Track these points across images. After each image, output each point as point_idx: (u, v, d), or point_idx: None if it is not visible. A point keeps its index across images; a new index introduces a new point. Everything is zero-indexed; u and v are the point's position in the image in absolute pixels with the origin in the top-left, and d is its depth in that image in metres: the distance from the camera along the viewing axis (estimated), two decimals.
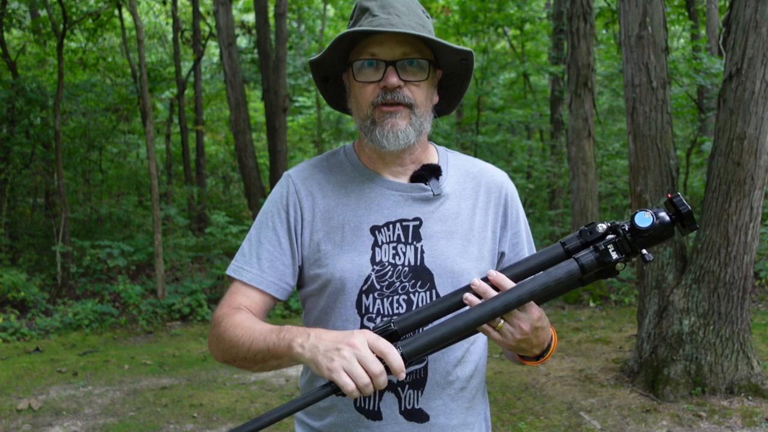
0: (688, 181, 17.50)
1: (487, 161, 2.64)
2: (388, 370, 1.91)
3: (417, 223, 2.39)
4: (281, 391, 8.61)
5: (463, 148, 21.44)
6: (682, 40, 26.26)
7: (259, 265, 2.41)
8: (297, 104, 25.57)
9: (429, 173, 2.45)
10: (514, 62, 24.29)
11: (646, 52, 8.04)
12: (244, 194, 19.88)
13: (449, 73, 2.48)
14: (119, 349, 11.06)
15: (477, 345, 2.49)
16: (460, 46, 2.35)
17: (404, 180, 2.45)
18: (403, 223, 2.38)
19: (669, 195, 2.00)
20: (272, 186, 19.15)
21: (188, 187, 21.61)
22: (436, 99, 2.46)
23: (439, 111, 2.56)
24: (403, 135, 2.31)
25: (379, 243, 2.36)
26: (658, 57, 8.03)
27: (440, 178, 2.46)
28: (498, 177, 2.56)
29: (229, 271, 2.45)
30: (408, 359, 1.95)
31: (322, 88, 2.54)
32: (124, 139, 24.11)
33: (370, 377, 1.89)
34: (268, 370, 2.25)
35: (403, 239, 2.37)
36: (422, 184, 2.42)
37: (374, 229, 2.38)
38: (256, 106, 28.73)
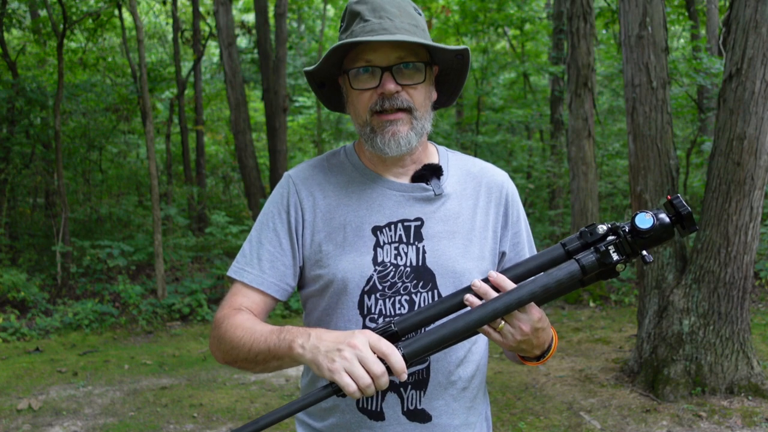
0: (688, 181, 17.50)
1: (487, 161, 2.63)
2: (389, 370, 1.91)
3: (419, 223, 2.38)
4: (281, 391, 8.61)
5: (463, 148, 21.43)
6: (682, 40, 26.26)
7: (259, 266, 2.40)
8: (297, 104, 25.59)
9: (430, 173, 2.44)
10: (514, 62, 24.30)
11: (646, 52, 8.03)
12: (244, 194, 19.89)
13: (446, 68, 2.46)
14: (119, 349, 11.06)
15: (478, 345, 2.49)
16: (454, 47, 2.34)
17: (405, 180, 2.44)
18: (405, 224, 2.38)
19: (669, 197, 2.01)
20: (272, 186, 19.24)
21: (188, 187, 21.61)
22: (434, 96, 2.45)
23: (439, 104, 2.54)
24: (405, 141, 2.30)
25: (381, 243, 2.36)
26: (658, 57, 8.03)
27: (441, 177, 2.46)
28: (499, 176, 2.55)
29: (230, 273, 2.45)
30: (409, 360, 1.95)
31: (318, 93, 2.53)
32: (124, 139, 24.13)
33: (372, 378, 1.88)
34: (270, 371, 2.24)
35: (404, 239, 2.36)
36: (423, 184, 2.42)
37: (376, 230, 2.37)
38: (256, 106, 28.75)
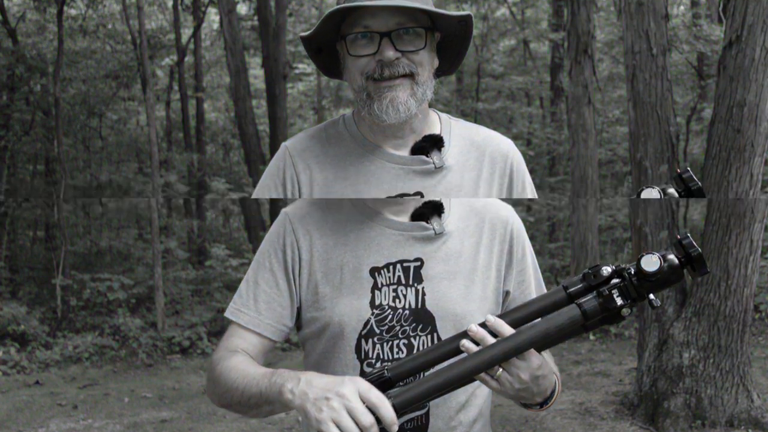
0: (688, 148, 17.46)
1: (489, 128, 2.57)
2: (379, 421, 1.85)
3: (418, 263, 2.30)
4: (281, 424, 8.64)
5: (464, 115, 21.40)
6: (682, 7, 26.00)
7: (256, 308, 2.33)
8: (297, 71, 25.53)
9: (430, 145, 2.36)
10: (514, 29, 24.31)
11: (646, 19, 8.01)
12: (244, 161, 19.95)
13: (448, 34, 2.37)
14: (119, 382, 11.13)
15: (482, 388, 2.40)
16: (457, 13, 2.27)
17: (405, 152, 2.37)
18: (404, 264, 2.30)
19: (678, 236, 1.90)
20: (272, 153, 19.16)
21: (188, 154, 21.68)
22: (436, 63, 2.36)
23: (441, 72, 2.44)
24: (404, 107, 2.22)
25: (379, 285, 2.29)
26: (658, 24, 8.01)
27: (442, 149, 2.38)
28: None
29: (227, 314, 2.39)
30: (400, 410, 1.87)
31: (315, 59, 2.45)
32: (124, 106, 24.08)
33: (360, 430, 1.80)
34: (263, 416, 2.19)
35: (403, 281, 2.29)
36: (423, 157, 2.35)
37: (374, 271, 2.29)
38: (256, 73, 28.62)
